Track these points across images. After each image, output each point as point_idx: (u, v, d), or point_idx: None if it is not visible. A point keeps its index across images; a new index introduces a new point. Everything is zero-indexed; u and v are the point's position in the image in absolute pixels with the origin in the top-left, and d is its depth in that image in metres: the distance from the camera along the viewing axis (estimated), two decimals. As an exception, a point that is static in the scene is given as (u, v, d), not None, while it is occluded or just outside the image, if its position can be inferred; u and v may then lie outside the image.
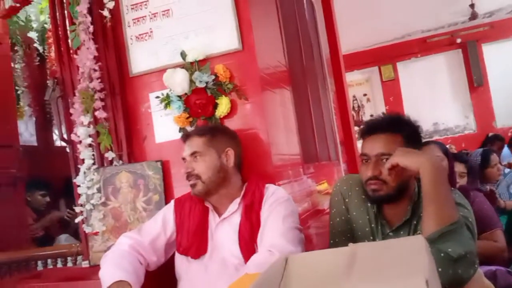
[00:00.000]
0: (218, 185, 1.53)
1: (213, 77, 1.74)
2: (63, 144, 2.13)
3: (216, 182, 1.52)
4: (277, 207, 1.45)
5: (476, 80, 8.58)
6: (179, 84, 1.75)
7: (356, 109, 9.80)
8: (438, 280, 0.62)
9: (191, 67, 1.78)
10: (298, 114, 2.29)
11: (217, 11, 1.79)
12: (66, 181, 2.46)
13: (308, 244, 1.87)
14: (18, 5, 2.45)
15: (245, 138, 1.70)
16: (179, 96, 1.78)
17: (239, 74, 1.76)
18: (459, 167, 2.34)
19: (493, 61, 8.57)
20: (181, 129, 1.81)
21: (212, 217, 1.54)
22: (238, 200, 1.52)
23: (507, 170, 2.89)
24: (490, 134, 5.90)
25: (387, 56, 9.16)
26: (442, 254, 1.07)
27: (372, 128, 1.35)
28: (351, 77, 9.30)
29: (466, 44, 8.66)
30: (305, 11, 3.11)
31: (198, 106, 1.73)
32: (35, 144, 3.64)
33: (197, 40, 1.81)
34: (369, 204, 1.41)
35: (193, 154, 1.52)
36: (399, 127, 1.33)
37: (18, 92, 3.46)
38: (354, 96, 9.73)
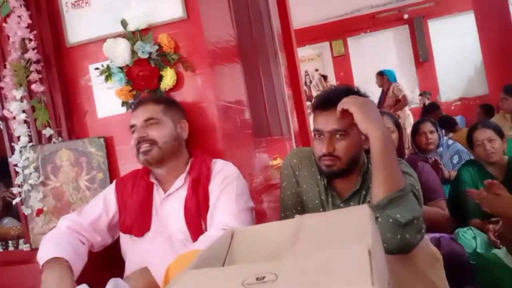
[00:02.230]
0: (172, 154, 1.48)
1: (157, 47, 1.64)
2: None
3: (172, 149, 1.47)
4: (229, 185, 1.42)
5: (422, 56, 8.88)
6: (120, 54, 1.65)
7: (308, 84, 9.89)
8: (382, 248, 0.61)
9: (132, 36, 1.67)
10: (249, 88, 2.24)
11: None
12: (2, 160, 2.31)
13: (261, 219, 1.87)
14: None
15: (193, 112, 1.64)
16: (121, 68, 1.68)
17: (185, 45, 1.68)
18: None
19: (438, 37, 8.88)
20: (124, 103, 1.72)
21: (157, 193, 1.49)
22: (184, 175, 1.48)
23: (450, 142, 2.97)
24: (427, 103, 6.09)
25: (337, 31, 9.25)
26: (390, 220, 1.09)
27: (325, 103, 1.32)
28: (303, 52, 9.34)
29: (413, 20, 8.90)
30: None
31: (141, 78, 1.64)
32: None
33: (139, 8, 1.69)
34: (318, 177, 1.41)
35: (148, 120, 1.45)
36: None
37: None
38: (306, 71, 9.79)
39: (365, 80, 9.22)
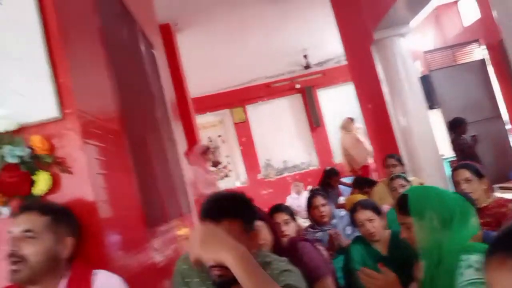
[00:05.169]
0: (46, 273, 1.34)
1: (29, 150, 1.52)
2: None
3: (44, 270, 1.33)
4: None
5: (314, 121, 9.55)
6: (-16, 161, 1.49)
7: (212, 149, 9.99)
8: None
9: (1, 138, 1.53)
10: (140, 177, 2.16)
11: (32, 74, 1.58)
12: None
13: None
14: None
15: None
16: (-14, 174, 1.51)
17: (61, 144, 1.57)
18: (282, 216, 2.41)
19: (326, 104, 9.68)
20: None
21: None
22: None
23: (342, 213, 3.02)
24: (327, 168, 6.37)
25: (237, 99, 9.64)
26: None
27: (213, 214, 1.26)
28: (205, 119, 9.51)
29: (304, 89, 9.63)
30: (144, 65, 3.04)
31: (10, 184, 1.49)
32: None
33: (9, 107, 1.57)
34: (209, 282, 1.36)
35: (26, 231, 1.32)
36: (238, 211, 1.29)
37: None
38: (209, 138, 9.92)
39: (265, 144, 9.59)
